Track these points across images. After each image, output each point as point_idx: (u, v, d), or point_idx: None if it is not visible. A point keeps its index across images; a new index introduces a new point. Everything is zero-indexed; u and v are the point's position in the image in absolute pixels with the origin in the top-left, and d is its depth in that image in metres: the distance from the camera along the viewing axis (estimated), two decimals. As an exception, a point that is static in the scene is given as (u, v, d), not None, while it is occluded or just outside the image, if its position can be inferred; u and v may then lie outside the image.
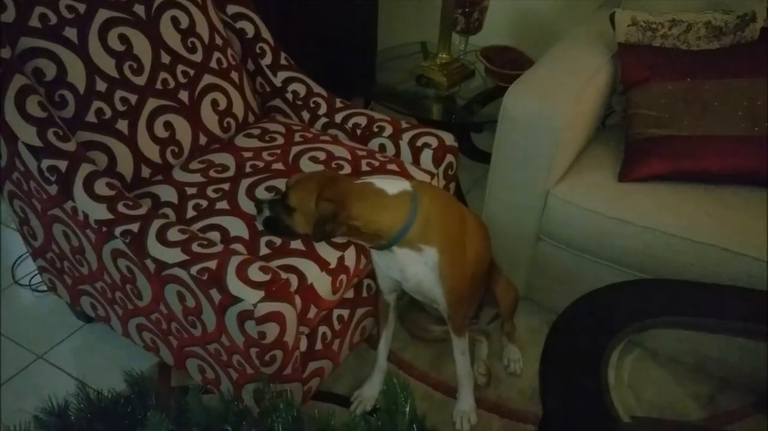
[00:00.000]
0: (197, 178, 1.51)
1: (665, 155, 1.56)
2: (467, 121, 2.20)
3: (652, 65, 1.66)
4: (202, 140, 1.64)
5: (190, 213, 1.41)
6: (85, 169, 1.34)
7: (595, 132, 1.84)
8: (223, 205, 1.43)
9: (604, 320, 1.18)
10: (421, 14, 2.68)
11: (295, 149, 1.64)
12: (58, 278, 1.64)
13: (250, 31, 1.82)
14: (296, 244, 1.35)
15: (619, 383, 1.11)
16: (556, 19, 2.41)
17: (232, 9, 1.80)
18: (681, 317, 1.16)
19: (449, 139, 1.69)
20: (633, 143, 1.63)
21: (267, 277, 1.18)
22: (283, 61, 1.86)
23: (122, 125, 1.47)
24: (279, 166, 1.57)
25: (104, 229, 1.29)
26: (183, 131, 1.59)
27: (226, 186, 1.48)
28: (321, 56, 2.43)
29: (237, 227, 1.37)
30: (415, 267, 1.34)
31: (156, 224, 1.28)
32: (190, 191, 1.47)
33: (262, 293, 1.16)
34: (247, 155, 1.61)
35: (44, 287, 1.76)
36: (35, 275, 1.89)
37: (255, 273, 1.19)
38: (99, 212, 1.30)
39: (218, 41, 1.71)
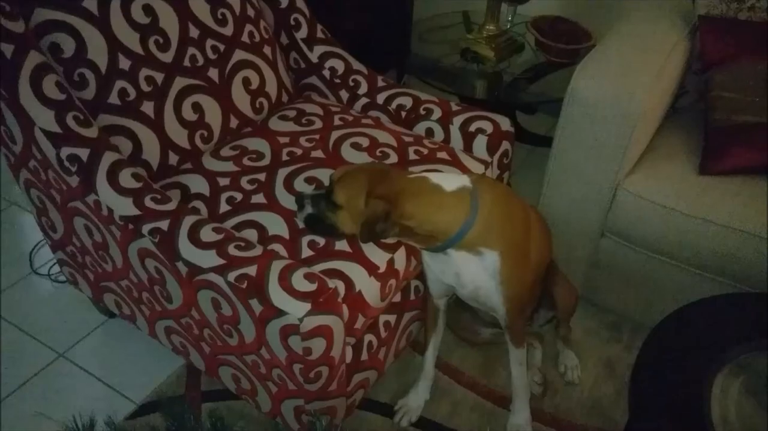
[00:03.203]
0: (230, 166, 1.37)
1: (755, 145, 1.38)
2: (519, 101, 2.02)
3: (738, 42, 1.47)
4: (233, 122, 1.49)
5: (224, 208, 1.27)
6: (108, 158, 1.19)
7: (666, 116, 1.66)
8: (259, 198, 1.28)
9: (706, 338, 1.03)
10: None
11: (335, 135, 1.48)
12: (79, 273, 1.51)
13: (284, 1, 1.65)
14: (341, 245, 1.21)
15: (723, 414, 0.96)
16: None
17: (264, -24, 1.63)
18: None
19: (505, 123, 1.53)
20: (716, 131, 1.45)
21: (313, 286, 1.04)
22: (319, 34, 1.69)
23: (148, 107, 1.32)
24: (318, 153, 1.42)
25: (131, 226, 1.16)
26: (213, 112, 1.44)
27: (261, 177, 1.34)
28: (351, 25, 2.24)
29: (276, 225, 1.23)
30: (474, 273, 1.20)
31: (188, 221, 1.15)
32: (223, 181, 1.32)
33: (308, 306, 1.02)
34: (283, 140, 1.46)
35: (64, 278, 1.65)
36: (54, 263, 1.77)
37: (300, 281, 1.05)
38: (124, 207, 1.16)
39: (250, 12, 1.55)
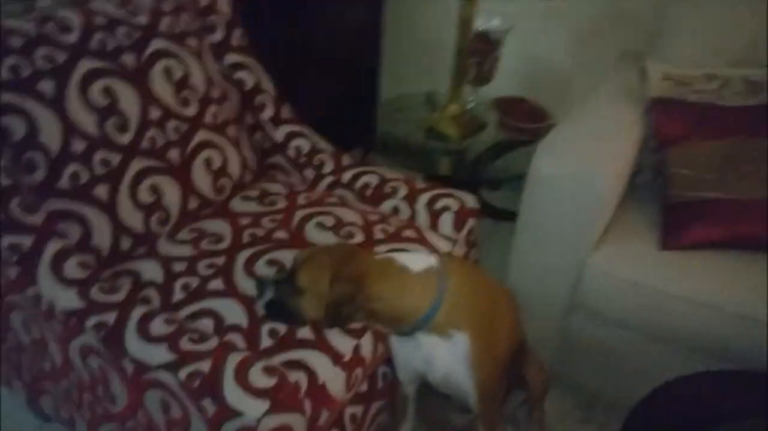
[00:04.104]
0: (187, 250, 1.31)
1: (713, 221, 1.40)
2: (484, 178, 2.04)
3: (690, 122, 1.52)
4: (193, 204, 1.45)
5: (178, 296, 1.20)
6: (54, 246, 1.13)
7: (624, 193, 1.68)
8: (217, 284, 1.23)
9: (688, 417, 0.99)
10: (427, 64, 2.55)
11: (299, 214, 1.45)
12: (14, 373, 1.40)
13: (250, 83, 1.66)
14: (304, 332, 1.15)
15: None
16: (570, 69, 2.29)
17: (230, 58, 1.63)
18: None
19: (471, 201, 1.52)
20: (674, 207, 1.47)
21: (273, 381, 0.98)
22: (285, 115, 1.69)
23: (101, 191, 1.27)
24: (282, 234, 1.38)
25: (73, 321, 1.08)
26: (171, 194, 1.40)
27: (220, 260, 1.29)
28: (318, 104, 2.27)
29: (234, 313, 1.17)
30: (443, 357, 1.15)
31: (136, 313, 1.08)
32: (178, 267, 1.27)
33: (267, 404, 0.95)
34: (244, 221, 1.42)
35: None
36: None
37: (258, 377, 0.98)
38: (68, 299, 1.09)
39: (214, 93, 1.54)
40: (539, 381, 1.43)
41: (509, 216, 2.20)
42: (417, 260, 1.13)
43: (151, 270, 1.25)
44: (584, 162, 1.38)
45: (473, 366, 1.15)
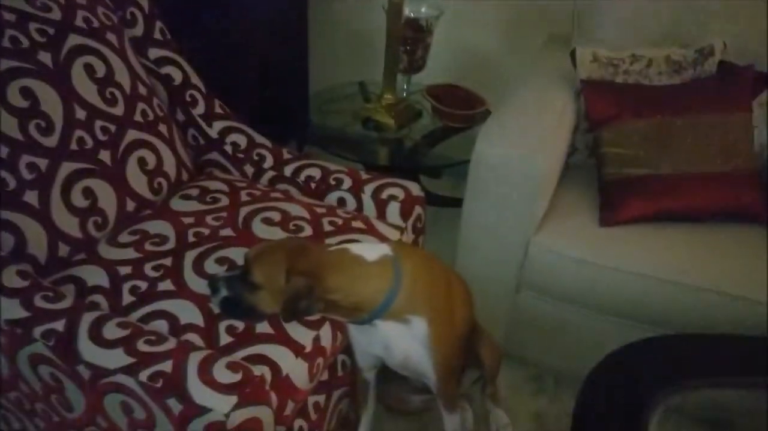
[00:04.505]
0: (130, 253, 1.26)
1: (646, 196, 1.49)
2: (424, 166, 2.07)
3: (619, 102, 1.60)
4: (130, 205, 1.38)
5: (127, 299, 1.15)
6: (-14, 257, 1.06)
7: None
8: (166, 285, 1.18)
9: (639, 381, 1.05)
10: (355, 54, 2.55)
11: (243, 211, 1.42)
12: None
13: (178, 78, 1.60)
14: (263, 327, 1.13)
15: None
16: (499, 54, 2.35)
17: (155, 53, 1.57)
18: (723, 377, 1.05)
19: (416, 189, 1.54)
20: (609, 185, 1.55)
21: (238, 376, 0.96)
22: (218, 110, 1.64)
23: (31, 197, 1.19)
24: (228, 232, 1.34)
25: (19, 331, 1.01)
26: (106, 197, 1.33)
27: (167, 261, 1.24)
28: (247, 98, 2.22)
29: (188, 313, 1.13)
30: (402, 342, 1.16)
31: (87, 318, 1.02)
32: (124, 270, 1.21)
33: (234, 399, 0.93)
34: (187, 220, 1.37)
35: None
36: None
37: (222, 373, 0.96)
38: (11, 309, 1.02)
39: (141, 90, 1.47)
40: (492, 359, 1.47)
41: (450, 203, 2.25)
42: (371, 250, 1.13)
43: (95, 275, 1.19)
44: (524, 145, 1.43)
45: (432, 348, 1.17)
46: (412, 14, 2.08)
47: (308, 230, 1.38)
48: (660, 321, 1.41)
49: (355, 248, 1.13)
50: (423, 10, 2.11)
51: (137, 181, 1.40)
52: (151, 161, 1.44)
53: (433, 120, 2.16)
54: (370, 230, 1.42)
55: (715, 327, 1.33)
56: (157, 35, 1.57)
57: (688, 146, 1.50)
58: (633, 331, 1.45)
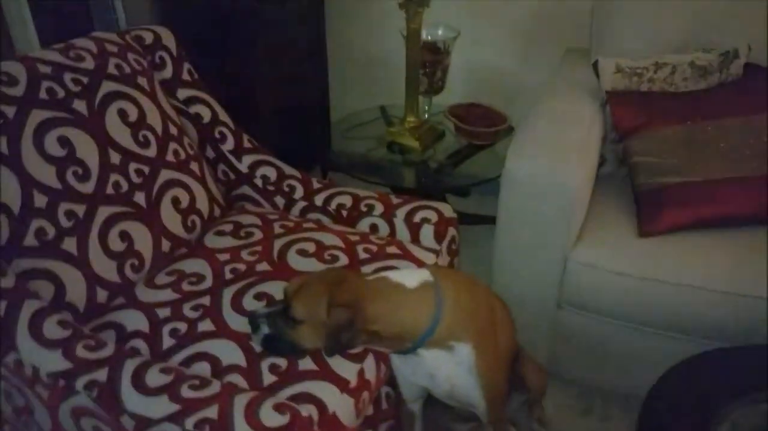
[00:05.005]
0: (168, 295, 1.26)
1: (683, 204, 1.45)
2: (451, 186, 2.05)
3: (646, 111, 1.58)
4: (166, 245, 1.39)
5: (168, 342, 1.15)
6: (29, 308, 1.06)
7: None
8: (206, 325, 1.18)
9: (705, 395, 1.02)
10: (374, 79, 2.56)
11: (278, 243, 1.41)
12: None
13: (207, 116, 1.62)
14: (306, 363, 1.11)
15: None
16: (517, 71, 2.34)
17: (183, 93, 1.59)
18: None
19: (448, 210, 1.52)
20: (644, 194, 1.51)
21: (285, 418, 0.94)
22: (246, 144, 1.65)
23: (69, 244, 1.21)
24: (264, 266, 1.34)
25: (62, 382, 1.01)
26: (142, 239, 1.34)
27: (205, 300, 1.24)
28: (269, 129, 2.24)
29: (229, 353, 1.12)
30: (448, 369, 1.14)
31: (129, 366, 1.02)
32: (163, 313, 1.21)
33: (284, 443, 0.91)
34: (223, 257, 1.37)
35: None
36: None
37: (269, 415, 0.94)
38: (53, 361, 1.02)
39: (173, 131, 1.49)
40: (538, 381, 1.44)
41: (480, 220, 2.23)
42: (410, 276, 1.12)
43: (134, 320, 1.19)
44: (556, 158, 1.41)
45: (479, 375, 1.15)
46: (429, 37, 2.09)
47: (344, 259, 1.37)
48: (707, 333, 1.37)
49: (394, 276, 1.12)
50: (440, 32, 2.12)
51: (171, 220, 1.42)
52: (184, 199, 1.46)
53: (456, 139, 2.15)
54: (406, 255, 1.41)
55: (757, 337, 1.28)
56: (186, 76, 1.60)
57: (720, 151, 1.47)
58: (679, 344, 1.41)
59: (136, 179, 1.36)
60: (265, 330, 1.10)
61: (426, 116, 2.21)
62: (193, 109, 1.60)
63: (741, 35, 1.62)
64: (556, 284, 1.50)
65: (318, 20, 2.48)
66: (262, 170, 1.63)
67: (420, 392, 1.25)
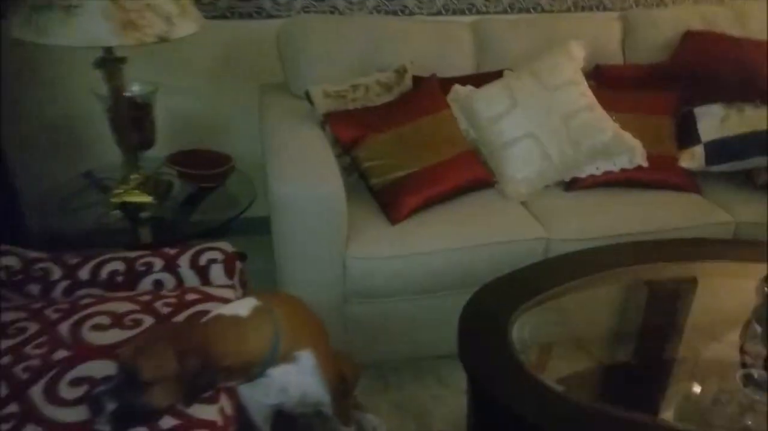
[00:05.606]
0: (-45, 422, 1.03)
1: (414, 192, 1.80)
2: (196, 232, 2.05)
3: (359, 125, 1.89)
4: None
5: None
6: None
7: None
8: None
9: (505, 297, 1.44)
10: (68, 145, 2.36)
11: (63, 328, 1.26)
12: None
13: None
14: (166, 421, 1.06)
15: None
16: (220, 111, 2.47)
17: None
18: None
19: (228, 246, 1.57)
20: (381, 192, 1.82)
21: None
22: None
23: None
24: (62, 353, 1.19)
25: None
26: None
27: (12, 408, 1.05)
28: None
29: (76, 448, 1.00)
30: (297, 379, 1.25)
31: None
32: (-38, 442, 0.99)
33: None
34: (5, 361, 1.17)
35: None
36: None
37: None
38: None
39: None
40: (355, 373, 1.62)
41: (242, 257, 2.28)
42: (241, 306, 1.19)
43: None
44: (315, 178, 1.62)
45: (322, 374, 1.27)
46: (127, 94, 2.05)
47: (149, 319, 1.31)
48: (465, 281, 1.72)
49: (226, 310, 1.17)
50: (136, 88, 2.10)
51: None
52: None
53: (184, 187, 2.16)
54: (207, 298, 1.41)
55: (502, 269, 1.69)
56: None
57: (425, 144, 1.88)
58: (447, 300, 1.75)
59: None
60: (111, 407, 1.02)
61: (145, 171, 2.16)
62: None
63: (405, 53, 2.06)
64: (341, 282, 1.70)
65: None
66: (3, 261, 1.41)
67: (270, 412, 1.30)
